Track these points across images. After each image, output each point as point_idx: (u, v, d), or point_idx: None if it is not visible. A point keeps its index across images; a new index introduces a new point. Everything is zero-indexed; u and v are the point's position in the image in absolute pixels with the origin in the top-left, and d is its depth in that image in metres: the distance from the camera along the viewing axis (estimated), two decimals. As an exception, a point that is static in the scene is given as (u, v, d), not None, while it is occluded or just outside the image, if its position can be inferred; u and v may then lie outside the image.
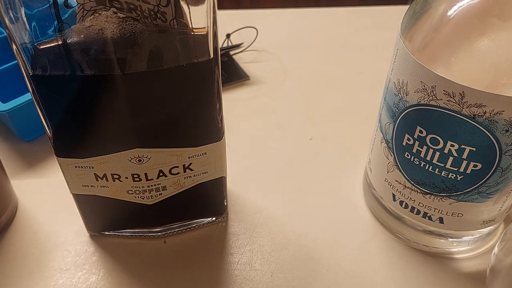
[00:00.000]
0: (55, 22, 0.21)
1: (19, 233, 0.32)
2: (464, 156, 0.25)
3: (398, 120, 0.27)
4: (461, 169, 0.26)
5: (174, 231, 0.32)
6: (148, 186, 0.28)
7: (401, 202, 0.30)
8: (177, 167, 0.27)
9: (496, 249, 0.26)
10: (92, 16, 0.21)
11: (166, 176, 0.28)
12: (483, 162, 0.25)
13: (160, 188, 0.28)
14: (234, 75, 0.48)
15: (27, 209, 0.34)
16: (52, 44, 0.21)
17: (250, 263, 0.30)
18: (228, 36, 0.52)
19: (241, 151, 0.39)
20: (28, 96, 0.36)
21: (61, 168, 0.27)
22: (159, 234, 0.32)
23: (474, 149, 0.24)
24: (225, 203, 0.33)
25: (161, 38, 0.22)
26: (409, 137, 0.27)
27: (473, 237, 0.30)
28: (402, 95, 0.26)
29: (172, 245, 0.31)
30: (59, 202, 0.34)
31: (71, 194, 0.29)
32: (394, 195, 0.30)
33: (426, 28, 0.24)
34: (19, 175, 0.37)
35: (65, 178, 0.27)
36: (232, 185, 0.35)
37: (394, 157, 0.29)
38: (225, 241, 0.32)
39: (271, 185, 0.36)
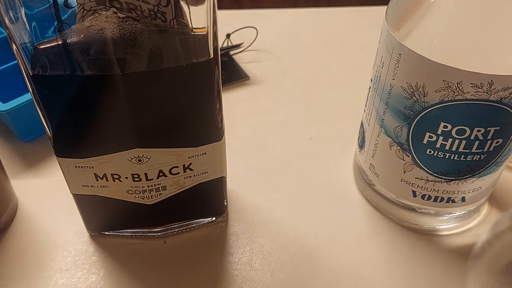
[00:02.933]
0: (55, 22, 0.21)
1: (19, 233, 0.32)
2: (489, 137, 0.26)
3: (415, 122, 0.27)
4: (485, 149, 0.27)
5: (174, 231, 0.32)
6: (148, 186, 0.28)
7: (423, 196, 0.30)
8: (177, 167, 0.27)
9: (483, 235, 0.27)
10: (92, 16, 0.21)
11: (166, 176, 0.28)
12: (504, 136, 0.26)
13: (160, 188, 0.28)
14: (234, 75, 0.48)
15: (27, 209, 0.34)
16: (52, 44, 0.21)
17: (250, 263, 0.30)
18: (228, 36, 0.52)
19: (241, 151, 0.39)
20: (28, 96, 0.36)
21: (61, 168, 0.27)
22: (159, 234, 0.32)
23: (498, 128, 0.25)
24: (225, 203, 0.33)
25: (161, 38, 0.22)
26: (431, 134, 0.27)
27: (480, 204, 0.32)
28: (417, 97, 0.26)
29: (172, 245, 0.31)
30: (59, 202, 0.34)
31: (71, 194, 0.29)
32: (414, 192, 0.30)
33: (436, 27, 0.24)
34: (19, 175, 0.37)
35: (65, 178, 0.27)
36: (232, 185, 0.35)
37: (412, 156, 0.29)
38: (225, 241, 0.32)
39: (271, 185, 0.36)
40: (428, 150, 0.28)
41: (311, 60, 0.51)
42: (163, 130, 0.26)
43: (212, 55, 0.23)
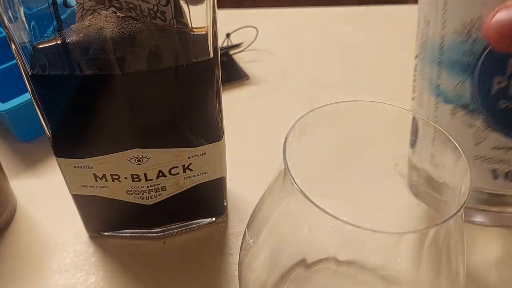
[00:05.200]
0: (54, 22, 0.21)
1: (18, 234, 0.32)
2: None
3: (478, 68, 0.23)
4: None
5: (174, 232, 0.32)
6: (148, 187, 0.28)
7: (506, 174, 0.25)
8: (177, 167, 0.27)
9: None
10: (91, 16, 0.21)
11: (165, 176, 0.27)
12: None
13: (160, 188, 0.28)
14: (234, 75, 0.48)
15: (26, 209, 0.34)
16: (51, 44, 0.21)
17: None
18: (228, 35, 0.52)
19: (241, 151, 0.39)
20: (27, 96, 0.36)
21: (60, 168, 0.27)
22: (159, 234, 0.31)
23: None
24: (225, 204, 0.33)
25: (160, 38, 0.22)
26: (500, 78, 0.23)
27: None
28: (475, 35, 0.23)
29: (172, 245, 0.31)
30: (58, 203, 0.34)
31: (70, 195, 0.29)
32: (494, 171, 0.25)
33: None
34: (18, 176, 0.36)
35: (64, 179, 0.27)
36: (232, 185, 0.35)
37: (484, 118, 0.24)
38: (225, 242, 0.32)
39: (271, 185, 0.36)
40: (501, 102, 0.23)
41: (311, 60, 0.51)
42: (163, 130, 0.25)
43: (211, 55, 0.23)
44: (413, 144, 0.27)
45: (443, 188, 0.27)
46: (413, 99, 0.29)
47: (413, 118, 0.29)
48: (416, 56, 0.28)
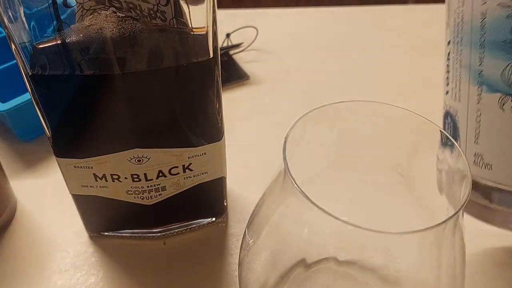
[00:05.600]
0: (54, 22, 0.21)
1: (18, 234, 0.32)
2: None
3: None
4: None
5: (174, 232, 0.32)
6: (148, 187, 0.28)
7: None
8: (177, 167, 0.27)
9: None
10: (91, 16, 0.21)
11: (165, 176, 0.27)
12: None
13: (160, 188, 0.28)
14: (234, 75, 0.48)
15: (26, 209, 0.34)
16: (51, 44, 0.21)
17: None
18: (228, 35, 0.52)
19: (241, 151, 0.39)
20: (27, 96, 0.36)
21: (60, 168, 0.27)
22: (159, 234, 0.31)
23: None
24: (225, 204, 0.33)
25: (160, 38, 0.22)
26: None
27: None
28: None
29: (172, 246, 0.31)
30: (59, 203, 0.34)
31: (70, 195, 0.29)
32: None
33: None
34: (18, 175, 0.36)
35: (64, 179, 0.27)
36: (232, 185, 0.35)
37: None
38: (225, 242, 0.32)
39: (271, 185, 0.36)
40: None
41: (312, 60, 0.51)
42: (163, 130, 0.25)
43: (211, 55, 0.23)
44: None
45: (493, 193, 0.24)
46: (447, 92, 0.26)
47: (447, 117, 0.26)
48: (449, 43, 0.25)
